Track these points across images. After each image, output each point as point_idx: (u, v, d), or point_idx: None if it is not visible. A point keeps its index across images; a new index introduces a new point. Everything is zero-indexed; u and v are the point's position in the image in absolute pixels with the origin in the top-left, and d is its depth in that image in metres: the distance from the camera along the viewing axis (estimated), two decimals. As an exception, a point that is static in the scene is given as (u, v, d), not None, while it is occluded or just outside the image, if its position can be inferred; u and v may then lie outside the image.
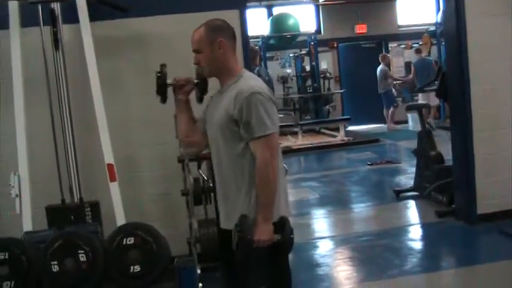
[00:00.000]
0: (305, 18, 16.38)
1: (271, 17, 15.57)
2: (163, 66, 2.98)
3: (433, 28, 15.14)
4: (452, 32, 5.92)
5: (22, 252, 3.67)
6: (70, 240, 3.68)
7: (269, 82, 7.42)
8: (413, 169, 7.84)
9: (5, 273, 3.60)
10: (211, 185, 4.59)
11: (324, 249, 5.96)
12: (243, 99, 2.66)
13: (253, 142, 2.68)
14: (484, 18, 5.74)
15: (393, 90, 15.29)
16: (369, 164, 10.34)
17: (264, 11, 16.59)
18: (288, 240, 2.76)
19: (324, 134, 14.45)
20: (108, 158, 4.53)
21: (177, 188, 4.83)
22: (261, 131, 2.66)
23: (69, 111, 4.63)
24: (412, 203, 7.36)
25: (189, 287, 3.82)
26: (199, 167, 4.84)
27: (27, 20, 4.57)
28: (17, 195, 4.40)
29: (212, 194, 4.59)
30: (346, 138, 13.30)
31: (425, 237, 6.18)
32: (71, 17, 4.64)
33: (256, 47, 10.27)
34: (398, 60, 16.38)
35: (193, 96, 2.99)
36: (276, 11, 16.27)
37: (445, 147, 7.32)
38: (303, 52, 15.64)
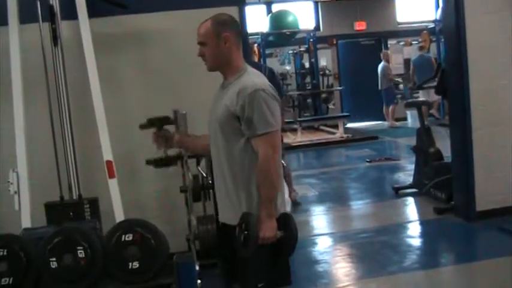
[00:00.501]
0: (304, 15, 16.39)
1: (270, 14, 15.56)
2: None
3: (432, 25, 15.14)
4: (452, 29, 5.92)
5: (21, 248, 3.67)
6: (69, 236, 3.68)
7: (274, 78, 7.41)
8: (413, 166, 7.86)
9: (4, 269, 3.60)
10: (210, 181, 4.59)
11: (323, 245, 5.97)
12: (246, 96, 2.66)
13: (255, 139, 2.69)
14: (484, 15, 5.75)
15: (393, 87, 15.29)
16: (368, 161, 10.36)
17: (263, 7, 16.58)
18: (294, 236, 2.77)
19: (323, 131, 14.47)
20: (107, 154, 4.52)
21: (176, 184, 4.83)
22: (264, 129, 2.66)
23: (68, 107, 4.62)
24: (411, 200, 7.37)
25: (188, 283, 3.82)
26: (198, 164, 4.84)
27: (26, 16, 4.56)
28: (15, 192, 4.39)
29: (211, 191, 4.59)
30: (345, 135, 13.32)
31: (424, 234, 6.19)
32: (70, 13, 4.62)
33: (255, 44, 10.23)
34: (397, 57, 16.37)
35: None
36: (275, 7, 16.26)
37: (444, 144, 7.32)
38: (302, 49, 15.64)
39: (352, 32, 16.70)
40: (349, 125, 15.02)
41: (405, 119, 15.66)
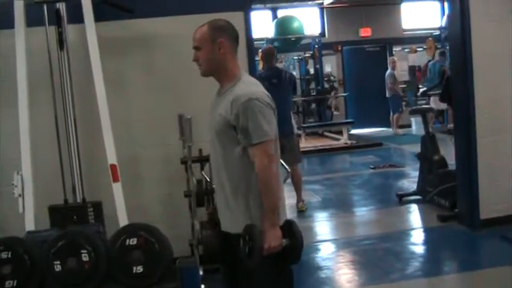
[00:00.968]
0: (309, 21, 16.41)
1: (275, 20, 15.59)
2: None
3: (437, 32, 15.14)
4: (457, 36, 5.91)
5: (25, 251, 3.67)
6: (73, 240, 3.68)
7: (290, 80, 7.41)
8: (417, 173, 7.85)
9: (8, 272, 3.60)
10: (214, 186, 4.59)
11: (326, 252, 5.96)
12: (240, 105, 2.64)
13: (251, 148, 2.67)
14: (489, 23, 5.74)
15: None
16: (371, 168, 10.36)
17: (268, 13, 16.61)
18: (299, 243, 2.75)
19: (327, 137, 14.47)
20: (111, 158, 4.52)
21: (180, 189, 4.84)
22: (259, 138, 2.63)
23: (73, 111, 4.63)
24: (414, 207, 7.36)
25: (192, 288, 3.83)
26: (202, 169, 4.84)
27: (33, 19, 4.57)
28: (19, 195, 4.40)
29: (215, 196, 4.60)
30: (349, 142, 13.31)
31: (427, 242, 6.18)
32: (76, 17, 4.64)
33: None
34: (402, 64, 16.37)
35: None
36: (281, 13, 16.30)
37: (448, 151, 7.31)
38: (307, 55, 15.66)
39: (357, 39, 16.70)
40: (354, 131, 15.00)
41: (410, 126, 15.62)
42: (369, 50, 16.92)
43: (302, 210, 7.48)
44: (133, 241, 3.70)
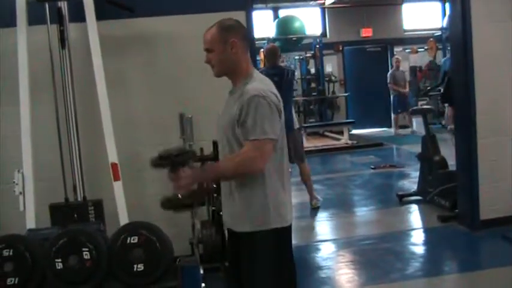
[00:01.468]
0: (311, 21, 16.43)
1: (277, 19, 15.61)
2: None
3: (438, 33, 15.14)
4: (458, 37, 5.92)
5: (26, 249, 3.68)
6: (74, 238, 3.69)
7: (291, 77, 7.45)
8: (417, 173, 7.85)
9: (10, 269, 3.61)
10: (214, 185, 4.59)
11: (327, 252, 5.97)
12: (244, 101, 2.63)
13: (246, 144, 2.62)
14: (490, 24, 5.75)
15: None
16: (372, 168, 10.36)
17: (270, 13, 16.62)
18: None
19: (328, 137, 14.47)
20: (112, 157, 4.53)
21: (181, 188, 4.83)
22: (255, 135, 2.59)
23: (74, 109, 4.64)
24: (415, 208, 7.37)
25: (193, 287, 3.83)
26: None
27: (34, 18, 4.58)
28: (20, 193, 4.41)
29: (215, 195, 4.60)
30: (350, 142, 13.33)
31: (427, 242, 6.18)
32: (78, 15, 4.65)
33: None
34: (403, 65, 16.36)
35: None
36: (282, 13, 16.30)
37: (448, 151, 7.32)
38: (308, 55, 15.66)
39: (359, 39, 16.71)
40: (354, 131, 15.00)
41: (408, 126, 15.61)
42: (370, 50, 16.93)
43: (316, 208, 7.56)
44: (134, 239, 3.71)
